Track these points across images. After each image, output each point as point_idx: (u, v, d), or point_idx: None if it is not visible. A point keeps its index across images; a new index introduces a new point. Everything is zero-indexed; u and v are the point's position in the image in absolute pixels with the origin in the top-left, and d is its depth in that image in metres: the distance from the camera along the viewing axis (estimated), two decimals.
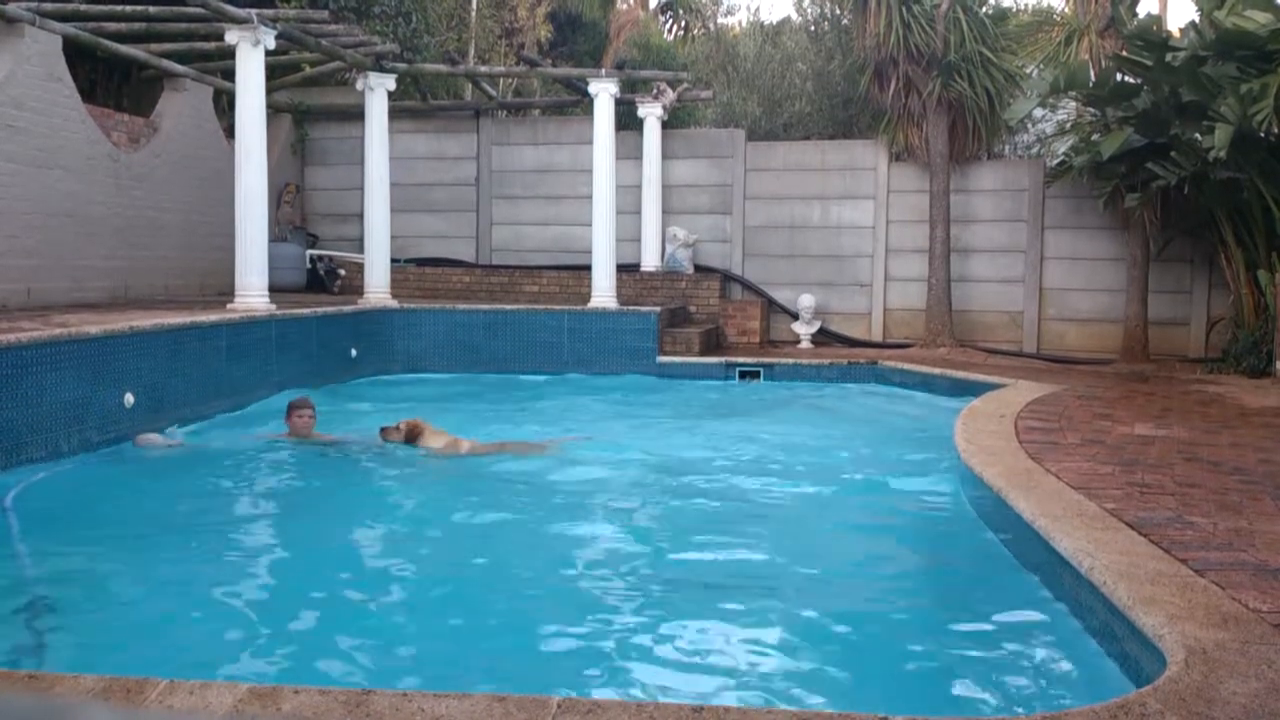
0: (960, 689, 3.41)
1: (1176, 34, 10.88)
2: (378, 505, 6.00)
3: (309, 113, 14.47)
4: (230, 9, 9.32)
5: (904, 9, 12.16)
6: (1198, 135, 10.14)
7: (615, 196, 11.66)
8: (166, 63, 11.88)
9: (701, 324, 12.61)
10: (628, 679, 3.46)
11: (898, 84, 12.52)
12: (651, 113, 13.31)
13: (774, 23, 18.40)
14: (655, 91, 13.31)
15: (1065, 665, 3.51)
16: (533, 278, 13.51)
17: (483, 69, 14.34)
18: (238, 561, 4.83)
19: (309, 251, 13.93)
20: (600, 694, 3.22)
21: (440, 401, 9.64)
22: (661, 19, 23.04)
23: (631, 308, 11.52)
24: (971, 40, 12.17)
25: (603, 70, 12.30)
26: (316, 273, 13.81)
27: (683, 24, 23.11)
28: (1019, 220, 12.96)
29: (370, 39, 11.34)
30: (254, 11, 9.41)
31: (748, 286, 13.61)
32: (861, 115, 14.72)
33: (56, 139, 10.15)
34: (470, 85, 15.69)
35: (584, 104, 13.61)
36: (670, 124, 14.03)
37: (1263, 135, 9.68)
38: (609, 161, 11.47)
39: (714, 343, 12.36)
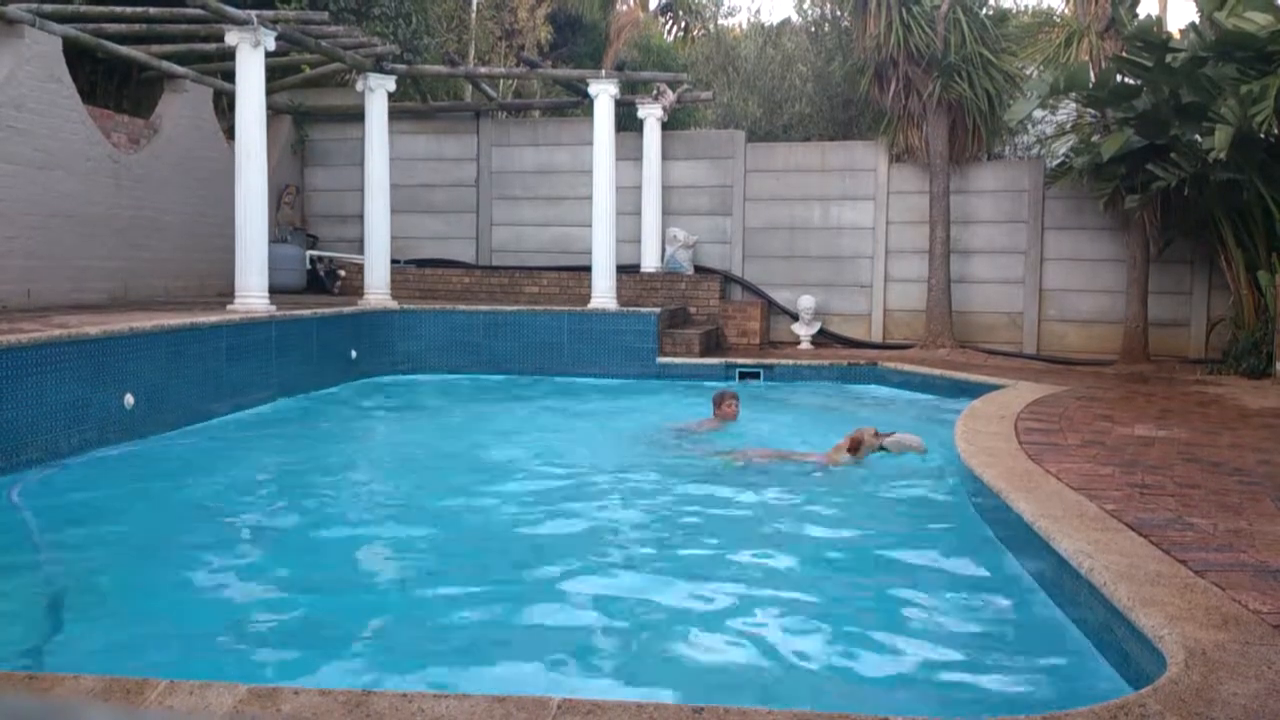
0: (959, 689, 3.41)
1: (1176, 35, 10.88)
2: (368, 496, 6.00)
3: (309, 114, 14.47)
4: (230, 10, 9.33)
5: (904, 10, 12.17)
6: (1198, 136, 10.14)
7: (615, 197, 11.65)
8: (166, 64, 11.88)
9: (701, 325, 12.61)
10: (628, 678, 3.46)
11: (898, 85, 12.52)
12: (651, 114, 13.31)
13: (774, 24, 18.40)
14: (655, 93, 13.31)
15: (1065, 666, 3.51)
16: (533, 279, 13.51)
17: (483, 70, 14.33)
18: (239, 560, 4.83)
19: (309, 252, 13.93)
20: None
21: (440, 402, 9.64)
22: (662, 20, 23.05)
23: (631, 309, 11.52)
24: (972, 41, 12.17)
25: (603, 71, 12.29)
26: (316, 274, 13.81)
27: (683, 25, 23.12)
28: (1019, 221, 12.96)
29: (370, 40, 11.34)
30: (254, 13, 9.41)
31: (748, 287, 13.61)
32: (862, 116, 14.73)
33: (57, 140, 10.16)
34: (470, 86, 15.70)
35: (584, 105, 13.60)
36: (670, 125, 14.03)
37: (1263, 136, 9.68)
38: (609, 162, 11.46)
39: (714, 344, 12.37)
